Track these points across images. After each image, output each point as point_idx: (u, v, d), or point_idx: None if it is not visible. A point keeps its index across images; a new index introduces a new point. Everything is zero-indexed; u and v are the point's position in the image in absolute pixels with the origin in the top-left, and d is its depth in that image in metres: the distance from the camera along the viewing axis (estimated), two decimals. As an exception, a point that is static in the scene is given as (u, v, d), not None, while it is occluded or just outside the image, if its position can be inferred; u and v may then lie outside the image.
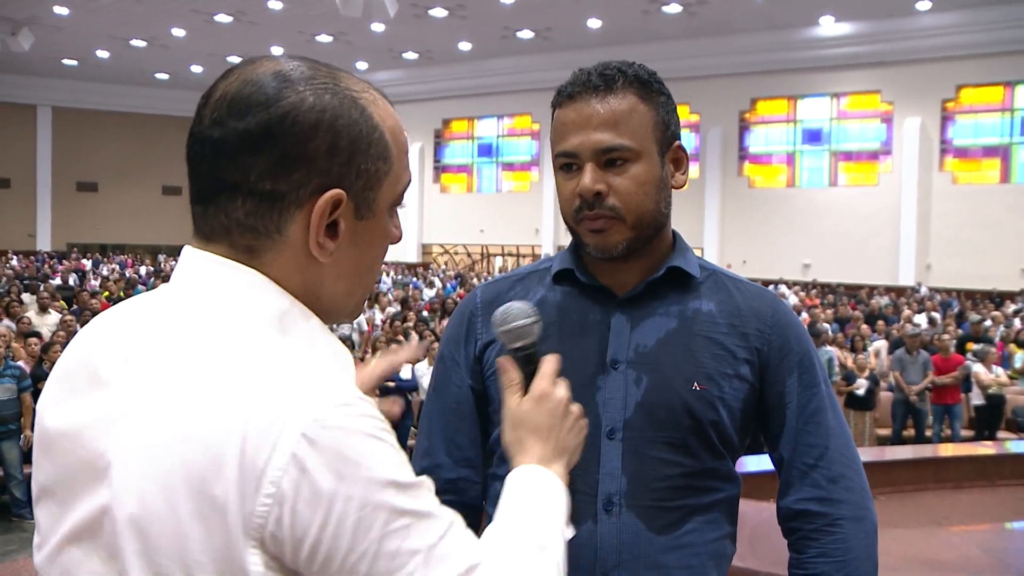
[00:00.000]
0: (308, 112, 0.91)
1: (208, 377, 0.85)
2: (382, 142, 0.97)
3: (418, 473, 0.92)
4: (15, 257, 28.96)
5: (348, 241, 0.96)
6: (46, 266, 25.32)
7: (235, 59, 28.87)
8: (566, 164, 1.44)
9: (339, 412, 0.84)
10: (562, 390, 1.19)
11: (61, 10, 24.44)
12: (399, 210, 1.05)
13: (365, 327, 13.62)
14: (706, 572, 1.43)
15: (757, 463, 5.80)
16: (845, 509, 1.43)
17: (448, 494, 1.43)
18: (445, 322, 10.58)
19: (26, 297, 14.77)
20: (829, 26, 24.13)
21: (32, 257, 29.69)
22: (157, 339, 0.90)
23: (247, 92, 0.92)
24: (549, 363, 1.21)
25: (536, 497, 1.07)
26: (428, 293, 20.16)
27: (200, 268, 0.94)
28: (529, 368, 1.22)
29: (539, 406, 1.17)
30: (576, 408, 1.19)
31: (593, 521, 1.40)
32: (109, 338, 0.94)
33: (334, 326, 1.28)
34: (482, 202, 31.96)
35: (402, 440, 1.08)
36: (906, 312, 16.19)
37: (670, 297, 1.47)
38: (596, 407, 1.42)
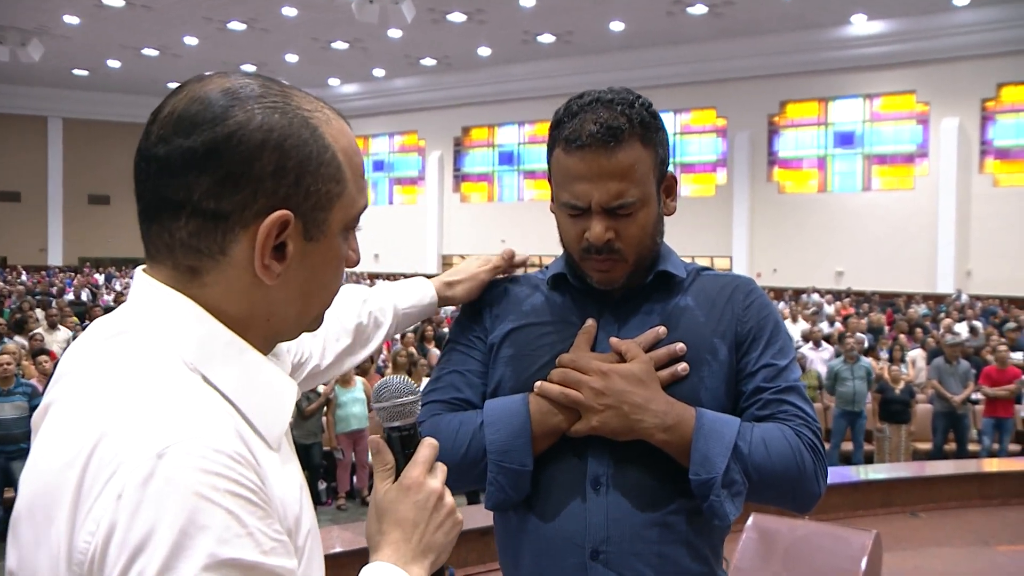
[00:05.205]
0: (255, 132, 0.92)
1: (86, 406, 0.88)
2: (334, 163, 0.97)
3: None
4: (25, 273, 28.92)
5: (297, 263, 0.97)
6: (57, 281, 25.18)
7: (249, 67, 28.92)
8: (573, 207, 1.53)
9: (180, 461, 0.81)
10: (436, 481, 1.12)
11: (71, 19, 24.60)
12: (358, 232, 1.06)
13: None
14: (693, 552, 1.51)
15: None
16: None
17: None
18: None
19: (38, 313, 14.62)
20: (861, 25, 23.74)
21: (43, 272, 29.62)
22: (77, 362, 0.94)
23: (194, 110, 0.93)
24: (426, 448, 1.14)
25: None
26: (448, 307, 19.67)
27: (138, 292, 0.97)
28: (406, 451, 1.14)
29: (406, 497, 1.10)
30: (449, 502, 1.12)
31: (582, 499, 1.51)
32: (64, 358, 0.97)
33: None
34: (503, 211, 31.69)
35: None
36: (946, 320, 15.72)
37: (655, 297, 1.61)
38: None
